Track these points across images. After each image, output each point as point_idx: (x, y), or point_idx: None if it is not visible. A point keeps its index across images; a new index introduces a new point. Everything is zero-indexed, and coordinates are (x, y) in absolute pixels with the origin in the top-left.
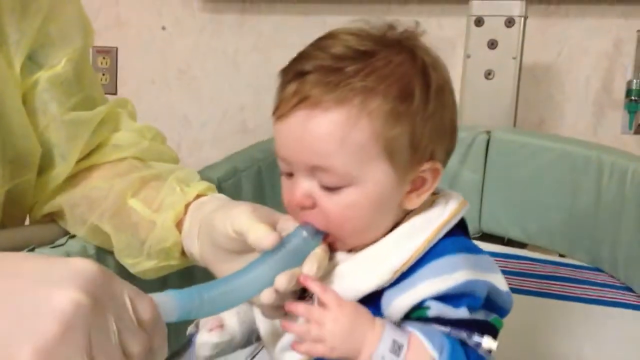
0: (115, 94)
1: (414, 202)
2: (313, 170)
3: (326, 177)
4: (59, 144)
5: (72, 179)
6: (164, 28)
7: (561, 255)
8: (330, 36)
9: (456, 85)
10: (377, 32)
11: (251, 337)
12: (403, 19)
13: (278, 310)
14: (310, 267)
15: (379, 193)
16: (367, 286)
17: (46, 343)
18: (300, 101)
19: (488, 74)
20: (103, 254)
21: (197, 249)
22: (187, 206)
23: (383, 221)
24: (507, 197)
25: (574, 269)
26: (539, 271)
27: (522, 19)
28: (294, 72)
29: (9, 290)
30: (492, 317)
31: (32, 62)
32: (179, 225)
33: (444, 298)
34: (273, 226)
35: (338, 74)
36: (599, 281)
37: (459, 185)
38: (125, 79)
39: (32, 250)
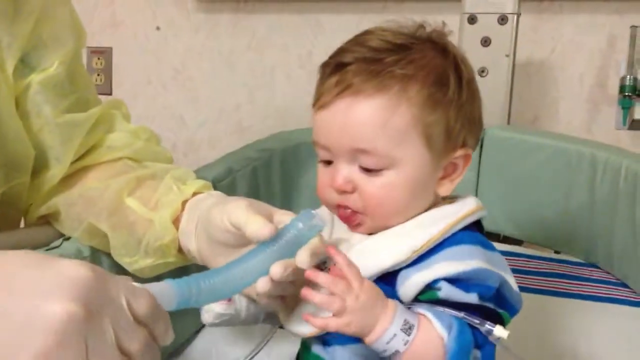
0: (110, 94)
1: (446, 187)
2: (355, 154)
3: (368, 159)
4: (53, 145)
5: (68, 180)
6: (158, 28)
7: (556, 252)
8: (366, 33)
9: None
10: (409, 30)
11: (258, 317)
12: (398, 17)
13: (275, 299)
14: (304, 256)
15: (416, 176)
16: (387, 263)
17: (42, 355)
18: (343, 90)
19: (482, 72)
20: (98, 255)
21: (194, 245)
22: (184, 203)
23: (416, 205)
24: (502, 194)
25: (570, 266)
26: (535, 268)
27: (515, 16)
28: (335, 64)
29: (1, 303)
30: (501, 312)
31: (25, 65)
32: (176, 222)
33: (456, 281)
34: (269, 219)
35: (378, 64)
36: (594, 277)
37: None
38: (121, 79)
39: None
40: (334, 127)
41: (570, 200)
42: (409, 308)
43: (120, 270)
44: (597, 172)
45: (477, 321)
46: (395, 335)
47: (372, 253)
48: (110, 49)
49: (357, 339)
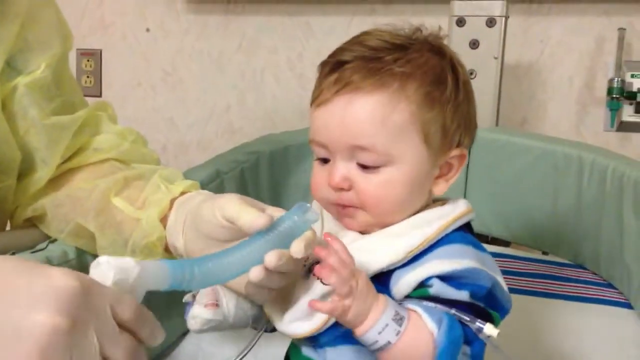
0: (100, 96)
1: (441, 186)
2: (353, 151)
3: (366, 156)
4: (40, 148)
5: (55, 182)
6: (148, 30)
7: (544, 253)
8: (365, 33)
9: None
10: (407, 32)
11: (246, 322)
12: (387, 19)
13: (263, 291)
14: (299, 246)
15: (414, 173)
16: (383, 263)
17: None
18: (342, 87)
19: (470, 74)
20: (84, 257)
21: (181, 242)
22: (172, 202)
23: (413, 203)
24: (490, 195)
25: (557, 267)
26: (523, 269)
27: (504, 18)
28: (334, 62)
29: None
30: (492, 312)
31: (11, 67)
32: (163, 220)
33: (449, 279)
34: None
35: (377, 62)
36: (581, 278)
37: None
38: (110, 81)
39: (12, 255)
40: (333, 124)
41: (558, 201)
42: (400, 304)
43: None
44: (584, 173)
45: (468, 318)
46: (387, 325)
47: (367, 253)
48: (100, 50)
49: (348, 340)
